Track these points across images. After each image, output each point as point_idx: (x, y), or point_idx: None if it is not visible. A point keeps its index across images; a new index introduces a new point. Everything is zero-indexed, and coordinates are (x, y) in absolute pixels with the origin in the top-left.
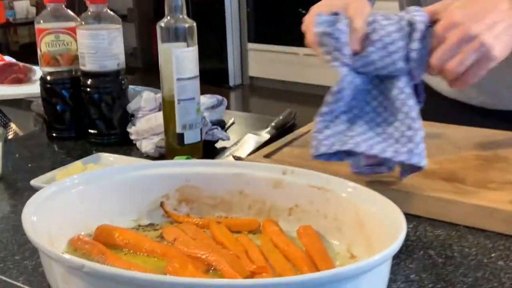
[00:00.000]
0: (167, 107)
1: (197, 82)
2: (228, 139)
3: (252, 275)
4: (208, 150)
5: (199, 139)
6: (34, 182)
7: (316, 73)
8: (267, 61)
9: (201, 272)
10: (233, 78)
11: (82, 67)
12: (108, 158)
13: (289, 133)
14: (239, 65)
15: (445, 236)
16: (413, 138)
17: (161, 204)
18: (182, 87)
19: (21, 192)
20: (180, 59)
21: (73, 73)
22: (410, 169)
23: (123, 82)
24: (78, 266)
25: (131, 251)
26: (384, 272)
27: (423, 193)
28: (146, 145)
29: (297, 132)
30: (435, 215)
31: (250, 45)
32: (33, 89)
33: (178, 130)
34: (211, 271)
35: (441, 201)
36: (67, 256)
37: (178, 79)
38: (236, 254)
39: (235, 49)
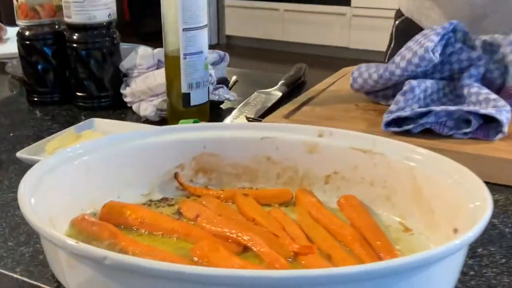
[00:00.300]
0: (170, 64)
1: (205, 33)
2: (235, 99)
3: (295, 256)
4: (212, 112)
5: (206, 100)
6: (20, 154)
7: (297, 30)
8: (244, 18)
9: (235, 255)
10: (209, 37)
11: (66, 19)
12: (103, 124)
13: (300, 91)
14: (215, 23)
15: (504, 201)
16: (497, 104)
17: (175, 176)
18: (189, 39)
19: (6, 166)
20: (187, 5)
21: (56, 26)
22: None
23: (114, 36)
24: (99, 258)
25: (146, 231)
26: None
27: (480, 153)
28: (145, 108)
29: (313, 90)
30: (491, 177)
31: (227, 1)
32: (5, 49)
33: (184, 89)
34: (244, 250)
35: (499, 161)
36: (83, 245)
37: (185, 30)
38: (272, 232)
39: (211, 6)
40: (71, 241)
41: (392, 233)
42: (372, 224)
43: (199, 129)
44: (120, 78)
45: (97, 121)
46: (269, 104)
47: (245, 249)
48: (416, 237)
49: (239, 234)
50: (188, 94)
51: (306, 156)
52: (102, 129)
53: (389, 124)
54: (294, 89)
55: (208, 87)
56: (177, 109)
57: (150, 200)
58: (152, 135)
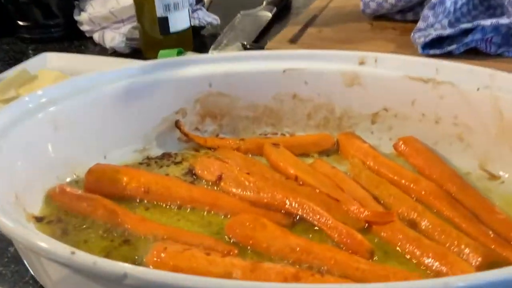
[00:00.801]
0: None
1: None
2: (218, 23)
3: (369, 227)
4: (193, 40)
5: (188, 25)
6: None
7: None
8: None
9: (288, 231)
10: None
11: None
12: (58, 59)
13: (289, 10)
14: None
15: None
16: None
17: (176, 124)
18: None
19: None
20: None
21: None
22: None
23: None
24: (117, 277)
25: (154, 202)
26: None
27: None
28: (112, 38)
29: (314, 8)
30: None
31: None
32: None
33: (159, 13)
34: (295, 223)
35: None
36: (94, 260)
37: None
38: (327, 193)
39: None
40: (64, 250)
41: (475, 182)
42: (451, 173)
43: (201, 62)
44: (71, 1)
45: (51, 56)
46: (260, 28)
47: (297, 218)
48: (510, 187)
49: (286, 200)
50: (165, 19)
51: (345, 91)
52: (59, 66)
53: (426, 45)
54: (282, 9)
55: (189, 9)
56: (153, 37)
57: (148, 158)
58: (140, 72)
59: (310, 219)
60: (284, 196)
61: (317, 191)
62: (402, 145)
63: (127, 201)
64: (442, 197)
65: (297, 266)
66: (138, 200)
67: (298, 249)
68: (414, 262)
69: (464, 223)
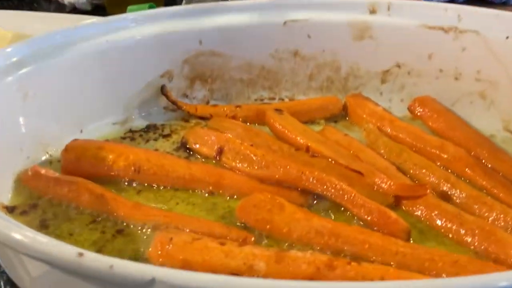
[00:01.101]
0: None
1: None
2: None
3: (397, 202)
4: None
5: None
6: None
7: None
8: None
9: (309, 211)
10: None
11: None
12: (7, 17)
13: None
14: None
15: None
16: None
17: (162, 90)
18: None
19: None
20: None
21: None
22: None
23: None
24: (142, 283)
25: (146, 184)
26: None
27: None
28: None
29: None
30: None
31: None
32: None
33: None
34: (314, 202)
35: None
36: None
37: None
38: (346, 165)
39: None
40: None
41: (501, 146)
42: (478, 136)
43: (190, 14)
44: None
45: (1, 15)
46: None
47: (315, 197)
48: None
49: (302, 175)
50: None
51: (353, 45)
52: (11, 24)
53: None
54: None
55: None
56: None
57: (131, 131)
58: (115, 28)
59: (332, 196)
60: (299, 171)
61: (334, 163)
62: (419, 107)
63: (114, 184)
64: (473, 164)
65: (327, 253)
66: (127, 182)
67: (324, 232)
68: (454, 240)
69: (502, 192)
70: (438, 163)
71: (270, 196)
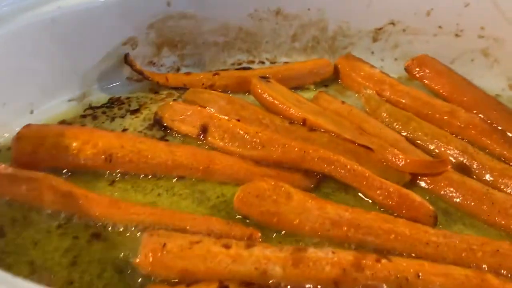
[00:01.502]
0: None
1: None
2: None
3: (413, 179)
4: None
5: None
6: None
7: None
8: None
9: (316, 196)
10: None
11: None
12: None
13: None
14: None
15: None
16: None
17: (126, 58)
18: None
19: None
20: None
21: None
22: None
23: None
24: None
25: (119, 174)
26: None
27: None
28: None
29: None
30: None
31: None
32: None
33: None
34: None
35: None
36: None
37: None
38: (352, 139)
39: None
40: None
41: (507, 104)
42: (486, 98)
43: None
44: None
45: None
46: None
47: (318, 176)
48: None
49: (304, 153)
50: None
51: (342, 2)
52: None
53: None
54: None
55: None
56: None
57: (92, 107)
58: None
59: (341, 177)
60: (301, 150)
61: (336, 137)
62: (417, 67)
63: (82, 176)
64: (490, 131)
65: (348, 246)
66: (97, 173)
67: (342, 223)
68: (485, 222)
69: None
70: (448, 130)
71: (273, 183)
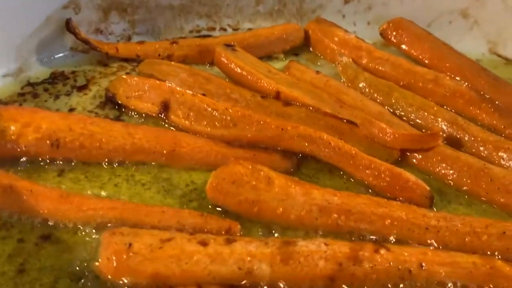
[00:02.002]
0: None
1: None
2: None
3: (402, 155)
4: None
5: None
6: None
7: None
8: None
9: (295, 181)
10: None
11: None
12: None
13: None
14: None
15: None
16: None
17: (68, 25)
18: None
19: None
20: None
21: None
22: None
23: None
24: None
25: (76, 165)
26: None
27: None
28: None
29: None
30: None
31: None
32: None
33: None
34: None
35: None
36: None
37: None
38: (332, 113)
39: None
40: None
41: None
42: (470, 63)
43: None
44: None
45: None
46: None
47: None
48: None
49: (284, 132)
50: None
51: None
52: None
53: None
54: None
55: None
56: None
57: (31, 84)
58: None
59: (325, 157)
60: (279, 127)
61: (316, 113)
62: (394, 31)
63: (23, 167)
64: (478, 99)
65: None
66: (42, 162)
67: (331, 209)
68: (484, 201)
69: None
70: (431, 99)
71: (251, 167)
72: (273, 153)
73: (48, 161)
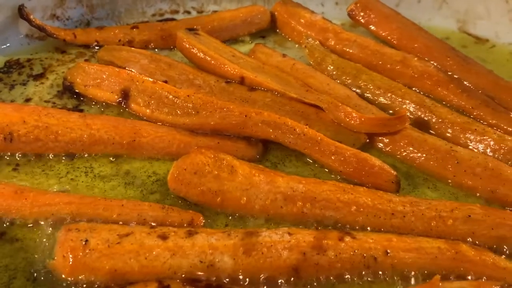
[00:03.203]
0: None
1: None
2: None
3: (370, 139)
4: None
5: None
6: None
7: None
8: None
9: (258, 169)
10: None
11: None
12: None
13: None
14: None
15: None
16: None
17: (20, 11)
18: None
19: None
20: None
21: None
22: None
23: None
24: None
25: (32, 158)
26: None
27: None
28: None
29: None
30: None
31: None
32: None
33: None
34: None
35: None
36: None
37: None
38: (298, 98)
39: None
40: None
41: (459, 49)
42: (439, 43)
43: None
44: None
45: None
46: None
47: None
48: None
49: (248, 119)
50: None
51: None
52: None
53: None
54: None
55: None
56: None
57: None
58: None
59: (290, 143)
60: (242, 113)
61: (280, 99)
62: (362, 11)
63: None
64: (446, 80)
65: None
66: None
67: (296, 197)
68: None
69: (487, 114)
70: (399, 81)
71: (213, 156)
72: (238, 140)
73: (2, 155)
